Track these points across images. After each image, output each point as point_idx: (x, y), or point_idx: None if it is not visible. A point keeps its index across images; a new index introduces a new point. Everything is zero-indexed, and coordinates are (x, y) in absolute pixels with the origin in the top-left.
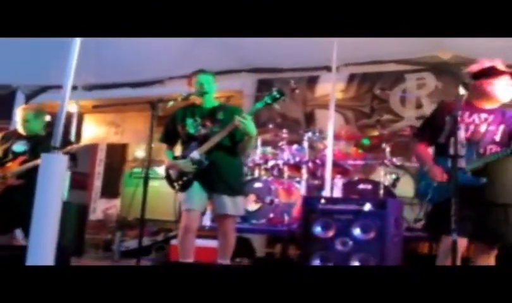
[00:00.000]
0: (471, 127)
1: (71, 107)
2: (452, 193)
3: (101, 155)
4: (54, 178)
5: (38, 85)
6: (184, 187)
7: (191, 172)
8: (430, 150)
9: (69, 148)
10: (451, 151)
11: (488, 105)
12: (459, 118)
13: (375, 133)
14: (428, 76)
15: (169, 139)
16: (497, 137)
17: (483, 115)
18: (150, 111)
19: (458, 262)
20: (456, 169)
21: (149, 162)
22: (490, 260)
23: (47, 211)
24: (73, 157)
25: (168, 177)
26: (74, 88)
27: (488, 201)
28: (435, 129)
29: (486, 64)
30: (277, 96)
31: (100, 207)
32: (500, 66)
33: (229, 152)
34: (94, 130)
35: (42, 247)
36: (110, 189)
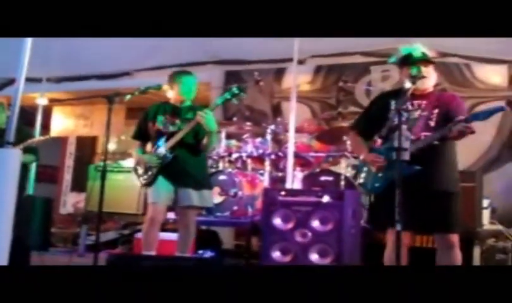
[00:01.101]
0: (405, 114)
1: (40, 100)
2: (396, 185)
3: (71, 148)
4: (7, 173)
5: (5, 78)
6: (150, 182)
7: (155, 166)
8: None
9: (29, 141)
10: (395, 143)
11: (419, 91)
12: (393, 107)
13: (338, 125)
14: (393, 68)
15: (141, 135)
16: (432, 122)
17: (416, 101)
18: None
19: (403, 255)
20: (399, 162)
21: (106, 155)
22: (451, 251)
23: (0, 206)
24: (34, 151)
25: (136, 172)
26: (39, 80)
27: (428, 189)
28: (371, 121)
29: (404, 51)
30: (236, 92)
31: (70, 201)
32: (417, 52)
33: (192, 149)
34: (63, 123)
35: None
36: (80, 183)
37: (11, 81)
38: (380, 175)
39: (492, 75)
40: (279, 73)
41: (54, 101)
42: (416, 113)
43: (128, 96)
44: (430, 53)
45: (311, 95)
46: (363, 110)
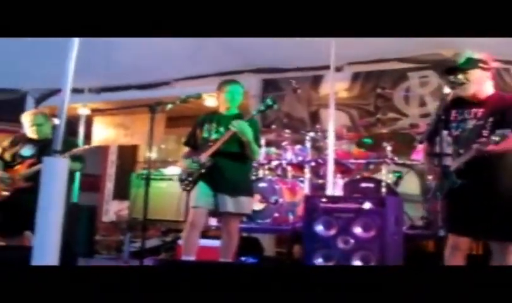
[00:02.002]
0: (461, 125)
1: (81, 110)
2: (439, 192)
3: (112, 157)
4: (56, 181)
5: (48, 89)
6: (189, 187)
7: (195, 172)
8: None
9: (74, 150)
10: (437, 149)
11: (475, 98)
12: (452, 117)
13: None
14: (432, 74)
15: (190, 143)
16: (485, 132)
17: (473, 110)
18: (160, 113)
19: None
20: (441, 167)
21: (149, 163)
22: (505, 259)
23: (49, 214)
24: (81, 159)
25: (179, 178)
26: (81, 91)
27: (487, 196)
28: (434, 130)
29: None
30: (270, 103)
31: (113, 209)
32: (461, 59)
33: (235, 157)
34: (104, 133)
35: (46, 248)
36: (122, 191)
37: (53, 92)
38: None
39: None
40: (316, 80)
41: (95, 111)
42: (472, 123)
43: (170, 106)
44: (482, 58)
45: (349, 102)
46: (432, 119)
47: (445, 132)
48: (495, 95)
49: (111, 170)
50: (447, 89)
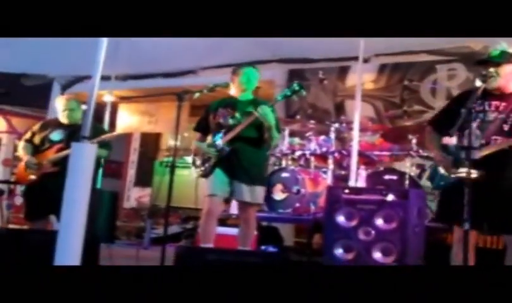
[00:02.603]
0: (480, 115)
1: (107, 97)
2: (465, 184)
3: (135, 144)
4: (83, 167)
5: (74, 75)
6: (207, 173)
7: (213, 158)
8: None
9: (102, 137)
10: (465, 142)
11: (499, 91)
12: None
13: (402, 123)
14: (459, 66)
15: (202, 127)
16: (506, 126)
17: (495, 102)
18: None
19: (470, 253)
20: (470, 161)
21: (175, 151)
22: None
23: (76, 199)
24: (108, 146)
25: (194, 163)
26: (108, 78)
27: (494, 191)
28: (449, 117)
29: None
30: (297, 88)
31: (134, 196)
32: (494, 52)
33: (253, 143)
34: (128, 120)
35: (71, 235)
36: (144, 178)
37: (79, 79)
38: (445, 174)
39: None
40: (343, 71)
41: (123, 99)
42: (492, 115)
43: (197, 94)
44: None
45: (375, 94)
46: (443, 107)
47: (474, 125)
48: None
49: (133, 157)
50: (478, 82)
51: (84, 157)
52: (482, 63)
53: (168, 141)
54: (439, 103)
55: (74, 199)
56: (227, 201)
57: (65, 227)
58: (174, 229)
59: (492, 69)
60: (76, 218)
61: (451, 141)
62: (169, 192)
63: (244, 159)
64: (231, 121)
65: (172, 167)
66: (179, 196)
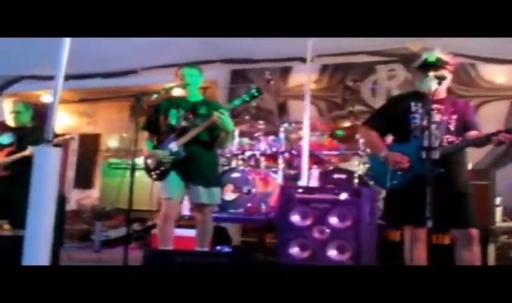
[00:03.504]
0: (426, 117)
1: (46, 97)
2: (428, 183)
3: (73, 145)
4: (49, 170)
5: (11, 75)
6: (161, 177)
7: (168, 162)
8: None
9: (56, 140)
10: (425, 143)
11: (436, 96)
12: (413, 109)
13: (347, 124)
14: (399, 67)
15: (151, 128)
16: (451, 127)
17: (436, 106)
18: (123, 101)
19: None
20: (430, 161)
21: (135, 152)
22: (472, 245)
23: (42, 203)
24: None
25: (146, 167)
26: (51, 78)
27: (447, 190)
28: (388, 120)
29: (428, 56)
30: (255, 94)
31: (74, 198)
32: (432, 58)
33: (205, 146)
34: (67, 121)
35: (39, 239)
36: (84, 180)
37: (17, 79)
38: (399, 172)
39: (497, 75)
40: (285, 72)
41: (83, 100)
42: (437, 117)
43: (155, 95)
44: (447, 58)
45: (318, 94)
46: (379, 108)
47: (433, 126)
48: (448, 97)
49: (72, 159)
50: (434, 84)
51: (48, 160)
52: (430, 68)
53: (107, 142)
54: (380, 103)
55: (40, 202)
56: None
57: (32, 231)
58: (123, 231)
59: (444, 72)
60: (43, 222)
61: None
62: (130, 194)
63: (199, 162)
64: (184, 123)
65: (133, 169)
66: (123, 198)
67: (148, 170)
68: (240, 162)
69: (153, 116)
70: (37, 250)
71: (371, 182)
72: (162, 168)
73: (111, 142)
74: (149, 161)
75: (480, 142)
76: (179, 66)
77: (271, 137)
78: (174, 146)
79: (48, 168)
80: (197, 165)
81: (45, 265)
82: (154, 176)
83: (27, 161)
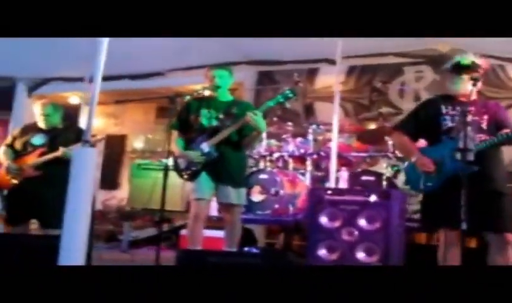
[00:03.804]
0: (457, 118)
1: (73, 99)
2: (463, 185)
3: (100, 146)
4: (86, 171)
5: (40, 77)
6: (193, 177)
7: (200, 162)
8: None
9: (93, 139)
10: (461, 144)
11: (465, 98)
12: (444, 111)
13: (375, 125)
14: (426, 68)
15: (181, 127)
16: (483, 126)
17: (466, 107)
18: (149, 103)
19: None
20: (465, 162)
21: (169, 153)
22: (506, 250)
23: (79, 203)
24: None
25: (176, 166)
26: (80, 79)
27: (482, 189)
28: (420, 123)
29: (462, 59)
30: (290, 95)
31: (99, 198)
32: (466, 60)
33: (235, 146)
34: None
35: (75, 239)
36: (110, 180)
37: (46, 81)
38: (433, 175)
39: None
40: (312, 73)
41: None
42: (469, 118)
43: (188, 97)
44: (480, 61)
45: (345, 95)
46: (410, 113)
47: (469, 128)
48: (479, 99)
49: (99, 159)
50: (469, 86)
51: (86, 161)
52: (456, 69)
53: (133, 143)
54: (407, 105)
55: (78, 203)
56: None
57: (69, 231)
58: (149, 232)
59: (477, 74)
60: (80, 222)
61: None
62: (163, 195)
63: (229, 163)
64: (215, 123)
65: (166, 170)
66: (155, 198)
67: (179, 170)
68: (268, 164)
69: (183, 115)
70: (74, 250)
71: (407, 186)
72: (194, 169)
73: (137, 143)
74: (180, 161)
75: (509, 138)
76: (209, 67)
77: (299, 139)
78: (205, 146)
79: (86, 169)
80: (227, 165)
81: (81, 265)
82: (185, 176)
83: (59, 162)
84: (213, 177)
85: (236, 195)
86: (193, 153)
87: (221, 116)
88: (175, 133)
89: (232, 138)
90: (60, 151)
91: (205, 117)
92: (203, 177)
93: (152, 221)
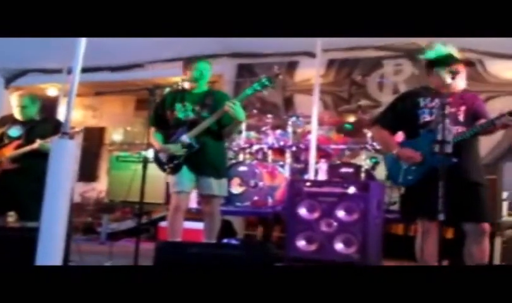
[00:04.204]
0: (435, 111)
1: (50, 91)
2: (440, 177)
3: (78, 138)
4: (65, 163)
5: (18, 69)
6: (175, 170)
7: (181, 155)
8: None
9: (72, 131)
10: (439, 136)
11: (445, 90)
12: (422, 104)
13: (354, 118)
14: (405, 62)
15: (158, 122)
16: (460, 118)
17: (444, 99)
18: (128, 95)
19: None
20: (444, 154)
21: (148, 145)
22: (483, 239)
23: (58, 196)
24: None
25: (158, 160)
26: (59, 71)
27: (460, 180)
28: (398, 117)
29: (441, 51)
30: (266, 83)
31: (77, 191)
32: (453, 52)
33: (215, 136)
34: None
35: (54, 231)
36: (88, 172)
37: (24, 72)
38: (413, 168)
39: (505, 70)
40: (292, 66)
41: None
42: (446, 110)
43: (167, 89)
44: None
45: (324, 88)
46: (388, 106)
47: (447, 121)
48: (457, 91)
49: (77, 152)
50: (448, 79)
51: (65, 153)
52: (447, 62)
53: (112, 135)
54: (386, 98)
55: (56, 195)
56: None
57: (47, 223)
58: (128, 224)
59: (458, 67)
60: (59, 214)
61: (399, 137)
62: (142, 187)
63: (210, 154)
64: (191, 115)
65: (145, 162)
66: (134, 191)
67: (160, 164)
68: (247, 156)
69: (159, 110)
70: (52, 242)
71: (389, 181)
72: (176, 162)
73: (116, 135)
74: (161, 155)
75: (486, 126)
76: (190, 60)
77: (278, 131)
78: (185, 138)
79: (65, 161)
80: (208, 156)
81: (59, 258)
82: (168, 170)
83: (36, 154)
84: (194, 169)
85: (217, 186)
86: (173, 146)
87: (197, 108)
88: (152, 128)
89: (212, 128)
90: (37, 144)
91: (181, 111)
92: (184, 169)
93: (131, 213)
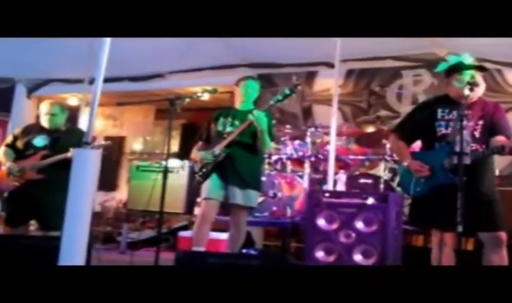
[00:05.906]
0: (451, 124)
1: (71, 100)
2: (458, 188)
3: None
4: (87, 173)
5: (40, 78)
6: (205, 178)
7: (210, 163)
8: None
9: (101, 143)
10: (457, 148)
11: (464, 101)
12: (439, 116)
13: (373, 129)
14: (424, 72)
15: (203, 136)
16: (477, 133)
17: (462, 111)
18: (148, 105)
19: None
20: (461, 166)
21: (168, 155)
22: (500, 248)
23: (80, 206)
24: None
25: (193, 170)
26: (80, 81)
27: (473, 197)
28: (415, 127)
29: (452, 60)
30: (288, 93)
31: (97, 200)
32: (468, 60)
33: (248, 148)
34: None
35: (76, 241)
36: (108, 182)
37: (46, 82)
38: (422, 180)
39: None
40: (310, 76)
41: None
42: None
43: (187, 100)
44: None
45: (343, 99)
46: (406, 116)
47: (465, 132)
48: (478, 100)
49: (98, 162)
50: (467, 91)
51: (87, 163)
52: (463, 69)
53: (132, 145)
54: (405, 108)
55: (78, 205)
56: (223, 206)
57: (70, 232)
58: (148, 233)
59: (478, 78)
60: (81, 223)
61: (416, 147)
62: (162, 197)
63: (238, 163)
64: (229, 128)
65: (165, 172)
66: (153, 200)
67: (194, 173)
68: (266, 166)
69: (206, 126)
70: (74, 251)
71: (399, 189)
72: (205, 170)
73: (136, 145)
74: (195, 165)
75: (496, 152)
76: (240, 78)
77: (297, 142)
78: (216, 148)
79: (87, 171)
80: (235, 165)
81: (82, 265)
82: (198, 178)
83: (62, 165)
84: (222, 178)
85: (242, 196)
86: (204, 154)
87: (236, 122)
88: (198, 144)
89: (244, 140)
90: (71, 152)
91: (221, 124)
92: (214, 178)
93: (151, 222)
